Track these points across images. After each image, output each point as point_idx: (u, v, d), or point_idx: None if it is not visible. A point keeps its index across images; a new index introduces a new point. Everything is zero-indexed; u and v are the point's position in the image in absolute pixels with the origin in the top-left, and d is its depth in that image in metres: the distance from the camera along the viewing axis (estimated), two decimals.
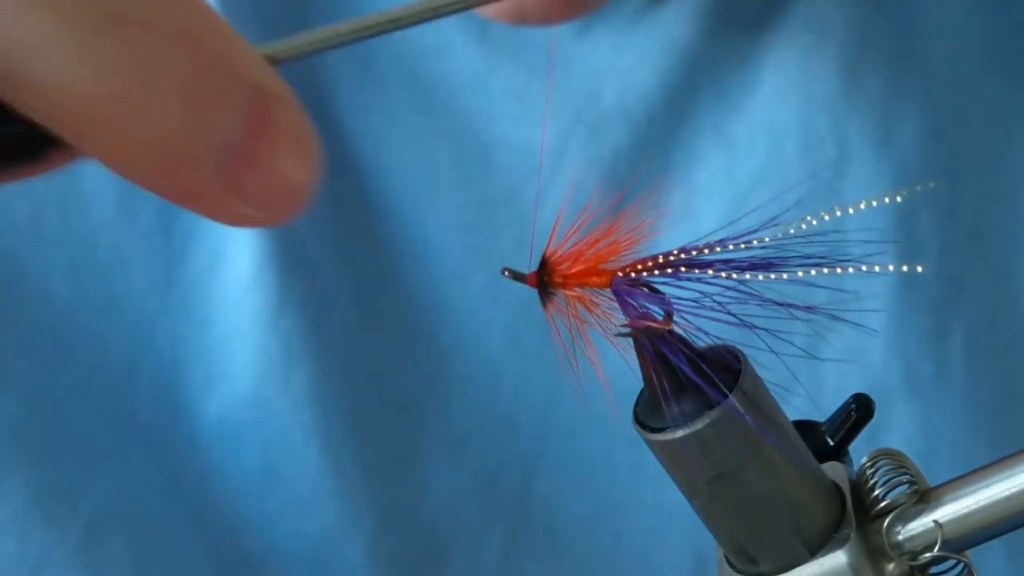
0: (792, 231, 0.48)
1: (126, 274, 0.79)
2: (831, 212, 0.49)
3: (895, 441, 0.80)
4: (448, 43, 0.80)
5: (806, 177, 0.79)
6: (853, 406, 0.52)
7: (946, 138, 0.81)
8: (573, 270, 0.50)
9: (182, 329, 0.80)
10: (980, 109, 0.83)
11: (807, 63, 0.80)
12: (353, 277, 0.81)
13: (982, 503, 0.49)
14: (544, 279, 0.50)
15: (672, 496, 0.50)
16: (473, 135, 0.81)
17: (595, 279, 0.50)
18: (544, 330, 0.50)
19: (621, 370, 0.49)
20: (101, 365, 0.79)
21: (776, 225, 0.49)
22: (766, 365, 0.50)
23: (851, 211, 0.49)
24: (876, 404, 0.51)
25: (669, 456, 0.49)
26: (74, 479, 0.78)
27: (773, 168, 0.80)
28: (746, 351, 0.49)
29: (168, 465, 0.80)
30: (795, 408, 0.52)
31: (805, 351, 0.49)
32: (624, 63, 0.80)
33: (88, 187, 0.79)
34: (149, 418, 0.79)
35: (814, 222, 0.49)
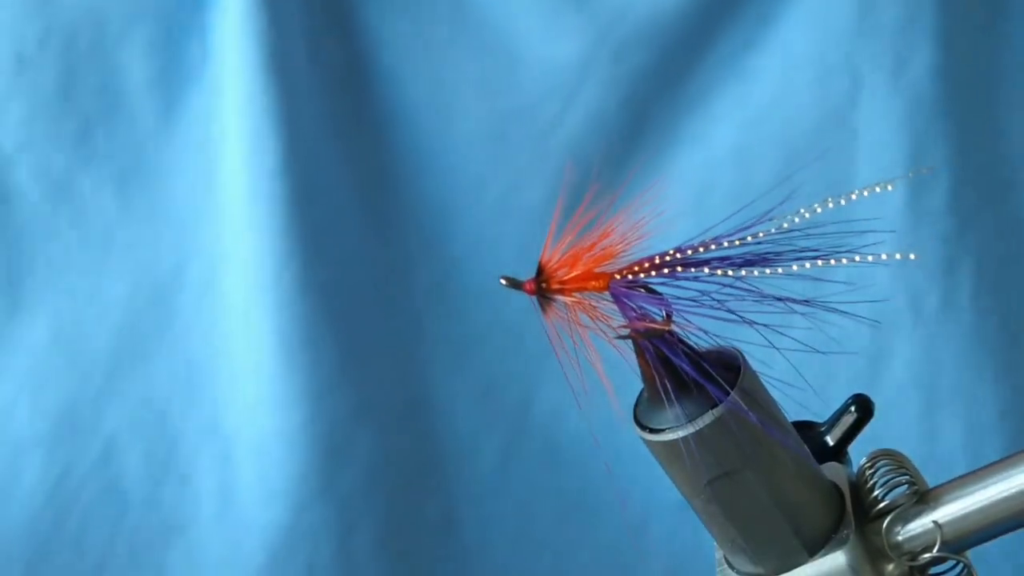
0: (787, 225, 0.48)
1: (171, 182, 0.82)
2: (824, 203, 0.49)
3: (898, 368, 0.80)
4: None
5: (818, 104, 0.81)
6: (852, 406, 0.52)
7: (958, 75, 0.82)
8: (570, 275, 0.50)
9: (221, 230, 0.82)
10: (992, 52, 0.83)
11: None
12: (361, 181, 0.83)
13: (981, 504, 0.49)
14: (542, 285, 0.50)
15: None
16: (498, 48, 0.82)
17: (593, 283, 0.50)
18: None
19: (623, 370, 0.49)
20: (149, 270, 0.82)
21: (771, 220, 0.48)
22: (766, 361, 0.50)
23: (843, 202, 0.49)
24: (875, 405, 0.52)
25: (670, 457, 0.49)
26: (101, 390, 0.82)
27: (786, 98, 0.81)
28: (745, 348, 0.49)
29: (197, 364, 0.82)
30: (798, 407, 0.52)
31: (805, 344, 0.49)
32: None
33: (131, 102, 0.81)
34: (191, 317, 0.82)
35: (807, 215, 0.49)
